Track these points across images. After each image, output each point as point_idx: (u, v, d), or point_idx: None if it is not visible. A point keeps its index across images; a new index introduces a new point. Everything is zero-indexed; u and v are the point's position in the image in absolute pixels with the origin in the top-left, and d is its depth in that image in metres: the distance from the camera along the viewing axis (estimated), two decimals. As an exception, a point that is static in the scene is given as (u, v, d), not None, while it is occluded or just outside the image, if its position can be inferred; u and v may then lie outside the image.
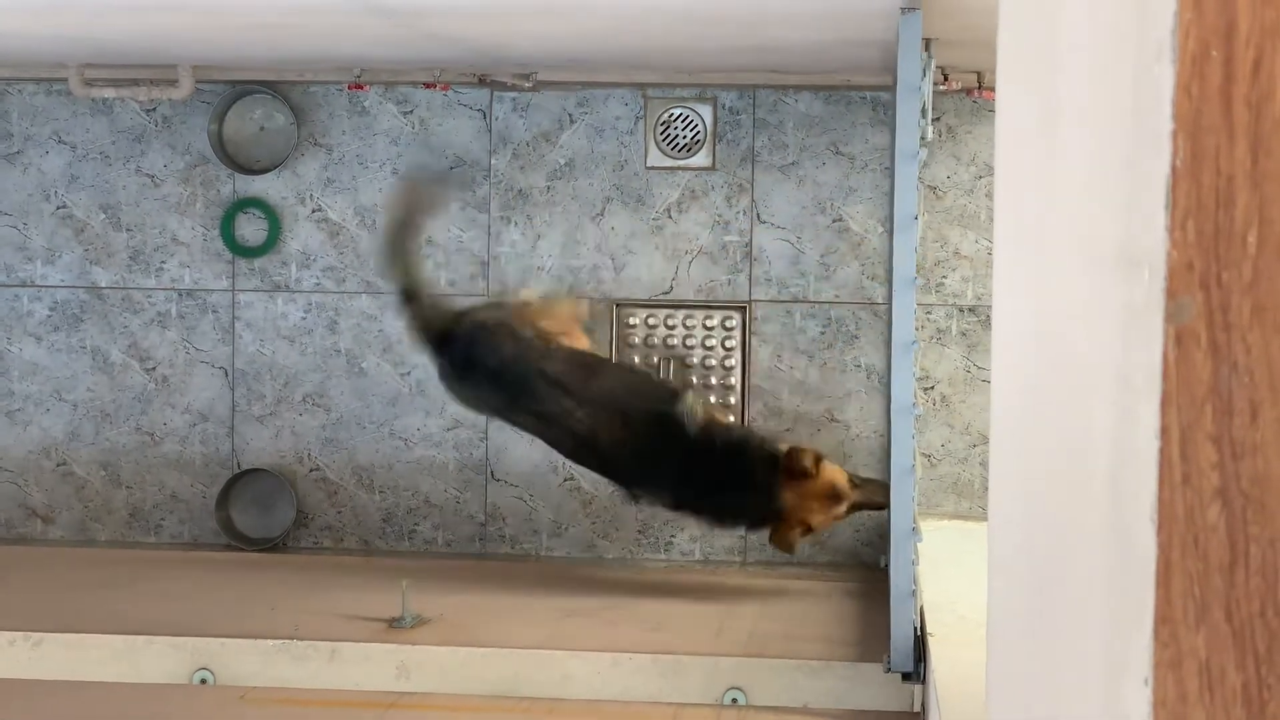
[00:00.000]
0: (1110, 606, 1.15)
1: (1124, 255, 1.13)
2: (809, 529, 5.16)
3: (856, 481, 5.19)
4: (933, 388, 5.91)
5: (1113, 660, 1.13)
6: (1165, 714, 1.02)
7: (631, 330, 6.00)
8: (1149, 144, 1.07)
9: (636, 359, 6.02)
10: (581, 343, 5.51)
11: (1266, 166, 1.03)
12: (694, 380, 5.94)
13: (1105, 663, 1.15)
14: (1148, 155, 1.07)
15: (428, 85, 5.98)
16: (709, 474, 5.16)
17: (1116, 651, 1.12)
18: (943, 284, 5.89)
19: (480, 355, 5.30)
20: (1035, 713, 1.62)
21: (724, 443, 5.19)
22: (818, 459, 5.10)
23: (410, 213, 5.69)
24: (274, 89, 6.08)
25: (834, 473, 5.15)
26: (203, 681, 4.74)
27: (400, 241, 5.57)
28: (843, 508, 5.16)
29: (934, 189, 5.87)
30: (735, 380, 5.97)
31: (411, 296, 5.44)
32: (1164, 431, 1.03)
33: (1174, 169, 1.03)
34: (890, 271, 4.37)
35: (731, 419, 5.81)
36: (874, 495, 5.16)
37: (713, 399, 5.88)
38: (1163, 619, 1.03)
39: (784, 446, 5.18)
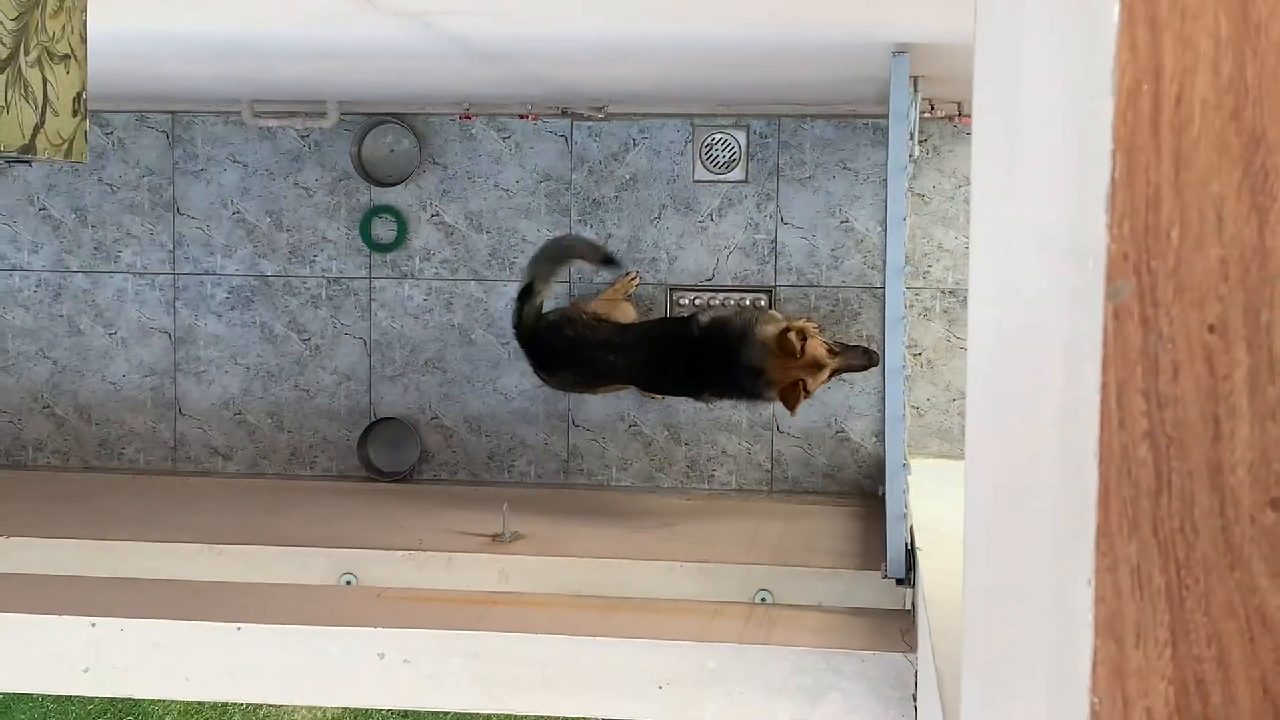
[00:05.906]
0: (1060, 524, 1.15)
1: (1073, 248, 1.13)
2: (805, 391, 5.00)
3: (836, 350, 5.04)
4: (920, 354, 5.88)
5: (1062, 566, 1.13)
6: (1104, 608, 1.03)
7: (681, 309, 5.99)
8: (1092, 161, 1.08)
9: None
10: (628, 316, 5.58)
11: (1185, 178, 1.03)
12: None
13: (1057, 569, 1.16)
14: (1091, 170, 1.08)
15: (521, 116, 5.98)
16: (715, 366, 5.12)
17: (1065, 559, 1.12)
18: (929, 272, 5.86)
19: (553, 345, 5.38)
20: (1000, 610, 1.62)
21: (724, 335, 5.11)
22: (803, 340, 4.96)
23: (570, 251, 5.68)
24: (401, 119, 6.11)
25: (815, 348, 4.99)
26: (348, 583, 4.80)
27: (552, 258, 5.55)
28: (826, 374, 5.02)
29: (922, 196, 5.83)
30: (764, 348, 5.94)
31: (524, 295, 5.45)
32: (1104, 387, 1.04)
33: (1113, 180, 1.04)
34: (885, 262, 4.35)
35: (734, 308, 5.67)
36: (851, 360, 5.07)
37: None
38: (1102, 533, 1.03)
39: (772, 329, 5.04)
